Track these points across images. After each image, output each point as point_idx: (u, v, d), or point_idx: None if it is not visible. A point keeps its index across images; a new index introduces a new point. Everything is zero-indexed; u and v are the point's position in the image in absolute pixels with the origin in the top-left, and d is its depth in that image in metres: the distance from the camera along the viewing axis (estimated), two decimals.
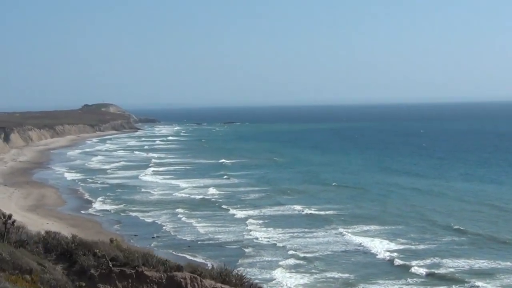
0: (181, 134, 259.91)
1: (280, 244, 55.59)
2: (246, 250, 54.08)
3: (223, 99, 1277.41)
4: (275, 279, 45.32)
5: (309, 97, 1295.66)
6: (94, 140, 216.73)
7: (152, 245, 56.50)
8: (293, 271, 47.33)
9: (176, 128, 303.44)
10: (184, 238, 59.69)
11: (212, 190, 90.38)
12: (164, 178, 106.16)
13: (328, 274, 46.82)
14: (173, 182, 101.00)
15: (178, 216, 70.36)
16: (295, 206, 75.24)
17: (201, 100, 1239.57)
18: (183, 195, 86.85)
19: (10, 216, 21.19)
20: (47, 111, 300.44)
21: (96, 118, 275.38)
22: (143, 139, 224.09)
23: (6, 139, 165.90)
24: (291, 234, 59.95)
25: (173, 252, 52.62)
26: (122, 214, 73.06)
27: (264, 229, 62.81)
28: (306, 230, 61.91)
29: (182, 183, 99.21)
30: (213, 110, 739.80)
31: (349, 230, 60.82)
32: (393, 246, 54.63)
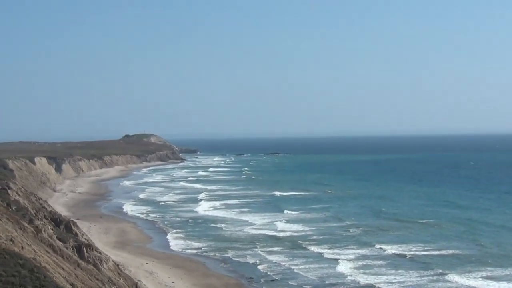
0: (227, 164, 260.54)
1: None
2: None
3: (259, 130, 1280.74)
4: None
5: (339, 129, 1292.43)
6: (143, 170, 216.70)
7: None
8: None
9: (218, 159, 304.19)
10: (296, 283, 56.15)
11: (281, 226, 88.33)
12: (228, 212, 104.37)
13: None
14: (238, 217, 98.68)
15: (267, 257, 67.06)
16: (383, 246, 71.14)
17: (238, 130, 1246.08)
18: (256, 231, 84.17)
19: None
20: (88, 141, 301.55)
21: (140, 148, 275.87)
22: (191, 170, 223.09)
23: (59, 170, 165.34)
24: (411, 282, 55.57)
25: None
26: (209, 253, 70.25)
27: (373, 273, 58.89)
28: (419, 275, 57.64)
29: (247, 217, 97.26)
30: (250, 140, 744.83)
31: (469, 276, 56.98)
32: None
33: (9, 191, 49.20)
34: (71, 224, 48.06)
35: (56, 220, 47.67)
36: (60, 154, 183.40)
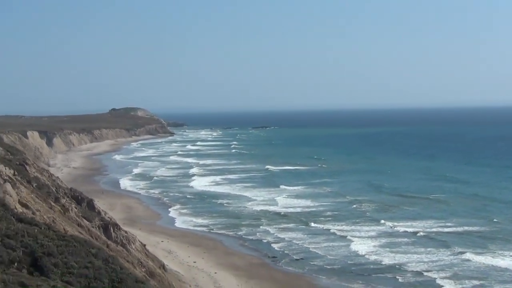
0: (214, 138, 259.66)
1: (436, 275, 49.80)
2: (401, 280, 49.17)
3: (246, 103, 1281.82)
4: None
5: (318, 102, 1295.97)
6: (133, 144, 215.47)
7: (306, 270, 52.29)
8: None
9: (205, 133, 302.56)
10: (322, 263, 54.52)
11: (284, 202, 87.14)
12: (225, 187, 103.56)
13: None
14: (237, 192, 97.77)
15: (279, 235, 65.66)
16: (396, 223, 69.76)
17: (225, 103, 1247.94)
18: (259, 207, 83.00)
19: None
20: (75, 115, 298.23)
21: (128, 122, 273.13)
22: (180, 144, 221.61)
23: (50, 144, 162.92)
24: (437, 261, 54.05)
25: (345, 283, 48.45)
26: (220, 231, 68.96)
27: (401, 252, 57.31)
28: (447, 254, 56.29)
29: (246, 193, 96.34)
30: (237, 114, 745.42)
31: (504, 254, 55.61)
32: None
33: (27, 167, 47.48)
34: (93, 202, 46.51)
35: (77, 198, 46.06)
36: (50, 128, 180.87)
